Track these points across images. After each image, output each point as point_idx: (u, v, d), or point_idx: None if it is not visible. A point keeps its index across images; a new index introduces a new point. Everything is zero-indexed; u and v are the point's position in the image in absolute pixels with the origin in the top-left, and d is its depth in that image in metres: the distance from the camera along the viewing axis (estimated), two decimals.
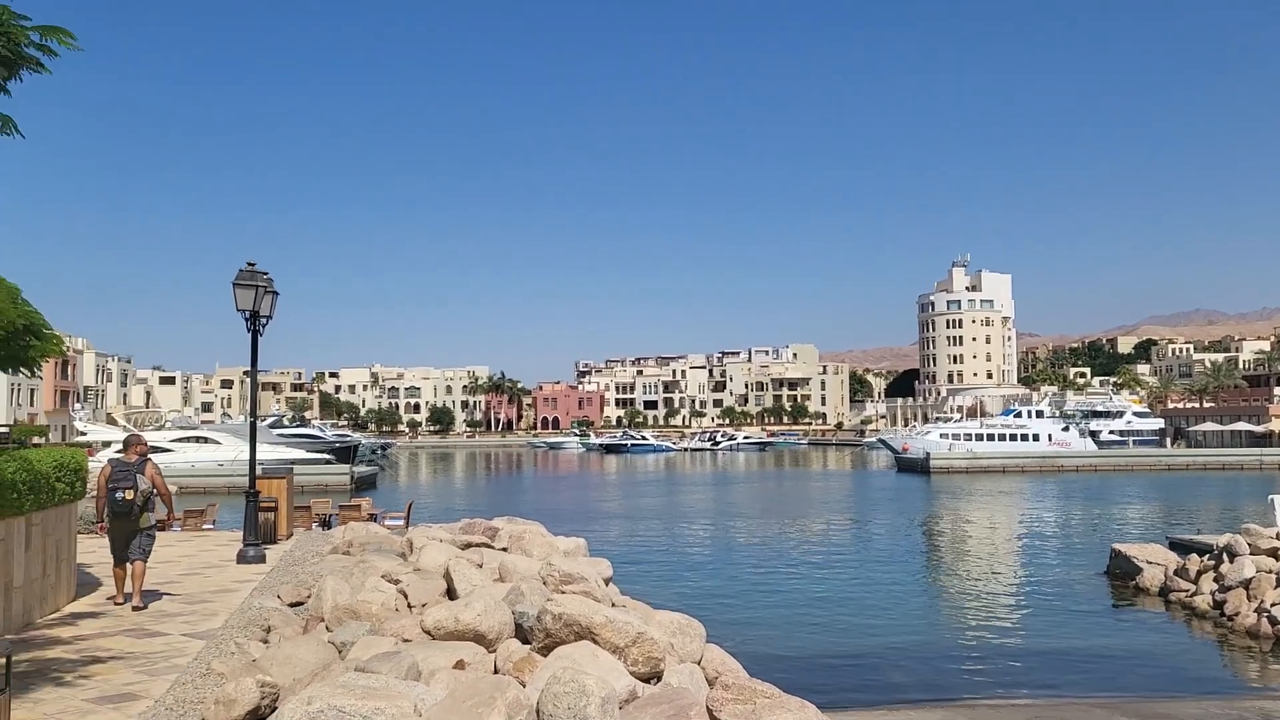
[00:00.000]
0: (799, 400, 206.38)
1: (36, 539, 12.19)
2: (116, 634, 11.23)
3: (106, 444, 66.01)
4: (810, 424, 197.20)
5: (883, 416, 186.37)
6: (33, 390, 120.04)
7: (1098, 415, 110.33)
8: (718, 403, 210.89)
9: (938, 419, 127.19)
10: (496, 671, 8.83)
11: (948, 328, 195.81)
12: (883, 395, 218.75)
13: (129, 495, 12.85)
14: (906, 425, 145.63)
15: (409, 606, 11.37)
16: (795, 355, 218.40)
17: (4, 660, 5.95)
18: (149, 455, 13.63)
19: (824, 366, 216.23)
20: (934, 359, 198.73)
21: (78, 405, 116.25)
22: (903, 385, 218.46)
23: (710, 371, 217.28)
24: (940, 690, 15.40)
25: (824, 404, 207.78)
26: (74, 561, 14.01)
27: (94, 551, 17.81)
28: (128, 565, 13.04)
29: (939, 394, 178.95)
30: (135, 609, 12.68)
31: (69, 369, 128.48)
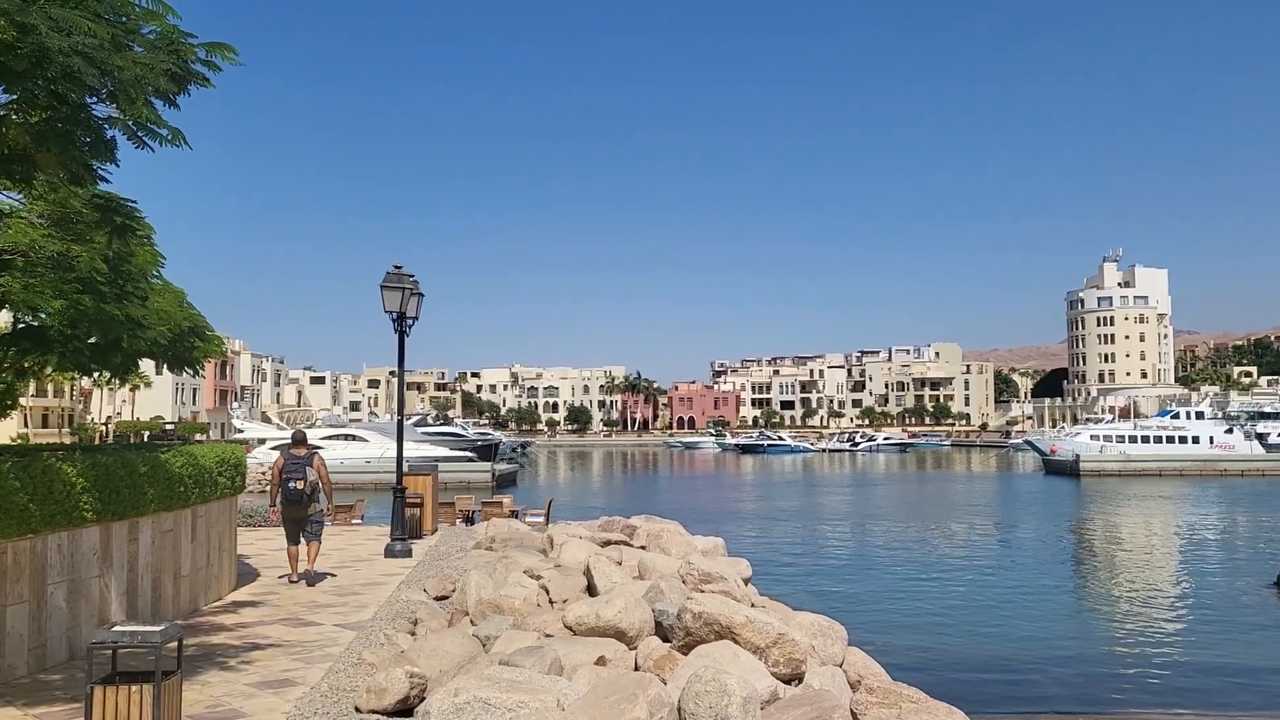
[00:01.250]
0: (941, 400, 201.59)
1: (201, 530, 12.82)
2: (274, 622, 11.70)
3: (261, 441, 68.93)
4: (953, 425, 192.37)
5: (1029, 417, 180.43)
6: (195, 390, 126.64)
7: (1265, 417, 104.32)
8: (856, 403, 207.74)
9: (1088, 420, 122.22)
10: (637, 668, 8.84)
11: (1099, 325, 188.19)
12: (1029, 395, 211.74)
13: (300, 485, 14.41)
14: (1054, 426, 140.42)
15: (550, 602, 11.51)
16: (937, 354, 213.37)
17: (176, 644, 6.24)
18: (316, 450, 15.15)
19: (967, 366, 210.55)
20: (1084, 358, 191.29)
21: (235, 404, 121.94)
22: (1050, 385, 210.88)
23: (849, 371, 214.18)
24: (1094, 703, 14.77)
25: (967, 404, 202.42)
26: (234, 552, 14.68)
27: (251, 544, 18.64)
28: (301, 545, 14.70)
29: (1089, 394, 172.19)
30: (309, 583, 14.41)
31: (227, 369, 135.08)
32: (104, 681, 5.94)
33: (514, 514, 24.50)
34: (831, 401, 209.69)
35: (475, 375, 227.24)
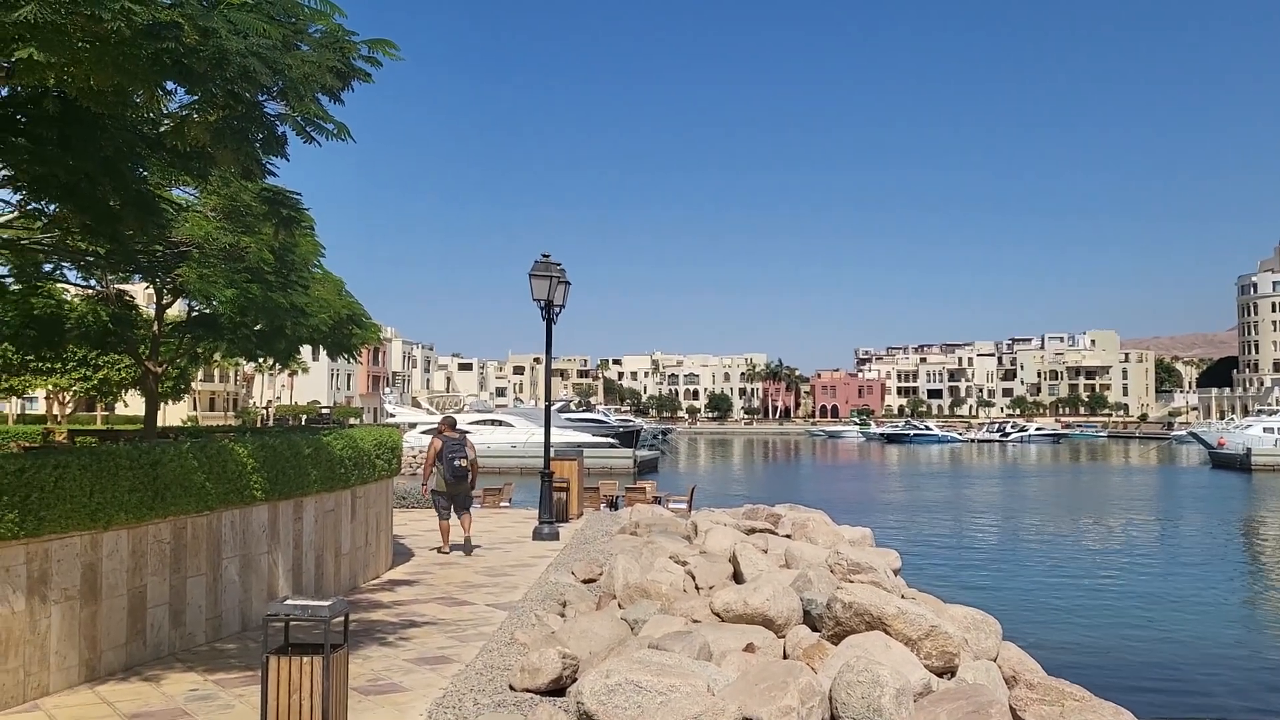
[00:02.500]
0: (1097, 390, 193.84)
1: (360, 510, 13.33)
2: (429, 601, 12.09)
3: (412, 425, 71.07)
4: (1110, 415, 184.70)
5: (1194, 408, 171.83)
6: (349, 375, 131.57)
7: None
8: (1007, 392, 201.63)
9: (1260, 411, 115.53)
10: (785, 657, 8.80)
11: (1273, 311, 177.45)
12: (1194, 385, 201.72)
13: (463, 463, 15.80)
14: (1223, 418, 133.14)
15: (696, 588, 11.56)
16: (1094, 342, 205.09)
17: (342, 619, 6.51)
18: (466, 433, 16.73)
19: (1126, 354, 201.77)
20: (1256, 345, 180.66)
21: (387, 389, 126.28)
22: (1218, 374, 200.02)
23: (999, 359, 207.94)
24: (1273, 713, 13.98)
25: (1125, 394, 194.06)
26: (391, 532, 15.22)
27: (405, 524, 19.29)
28: (454, 519, 16.13)
29: (1261, 384, 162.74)
30: (466, 552, 15.92)
31: (380, 356, 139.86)
32: (278, 652, 6.24)
33: (657, 500, 24.66)
34: (981, 390, 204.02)
35: (616, 362, 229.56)
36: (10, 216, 13.67)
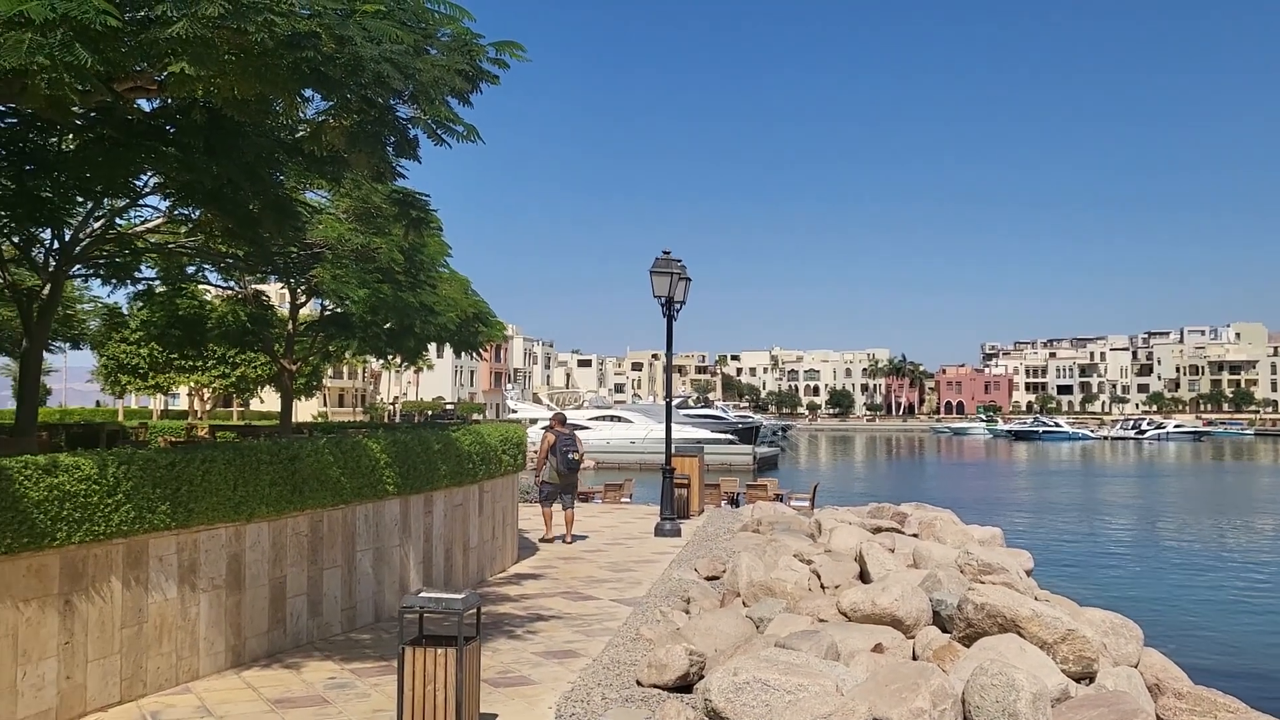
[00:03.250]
0: (1242, 385, 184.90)
1: (487, 505, 13.59)
2: (555, 595, 12.25)
3: (533, 421, 72.10)
4: (1256, 412, 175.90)
5: None
6: (472, 372, 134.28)
7: None
8: (1143, 388, 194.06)
9: None
10: (915, 658, 8.64)
11: None
12: None
13: (576, 456, 16.71)
14: None
15: (821, 587, 11.43)
16: (1238, 335, 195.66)
17: (474, 612, 6.64)
18: (575, 430, 17.41)
19: (1274, 347, 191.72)
20: None
21: (509, 385, 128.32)
22: None
23: (1134, 353, 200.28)
24: None
25: (1274, 390, 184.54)
26: (516, 526, 15.48)
27: (529, 519, 19.57)
28: (559, 510, 16.94)
29: None
30: (566, 543, 16.64)
31: (501, 352, 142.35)
32: (413, 643, 6.40)
33: (779, 498, 24.50)
34: (1114, 386, 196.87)
35: (735, 358, 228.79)
36: (158, 222, 14.35)
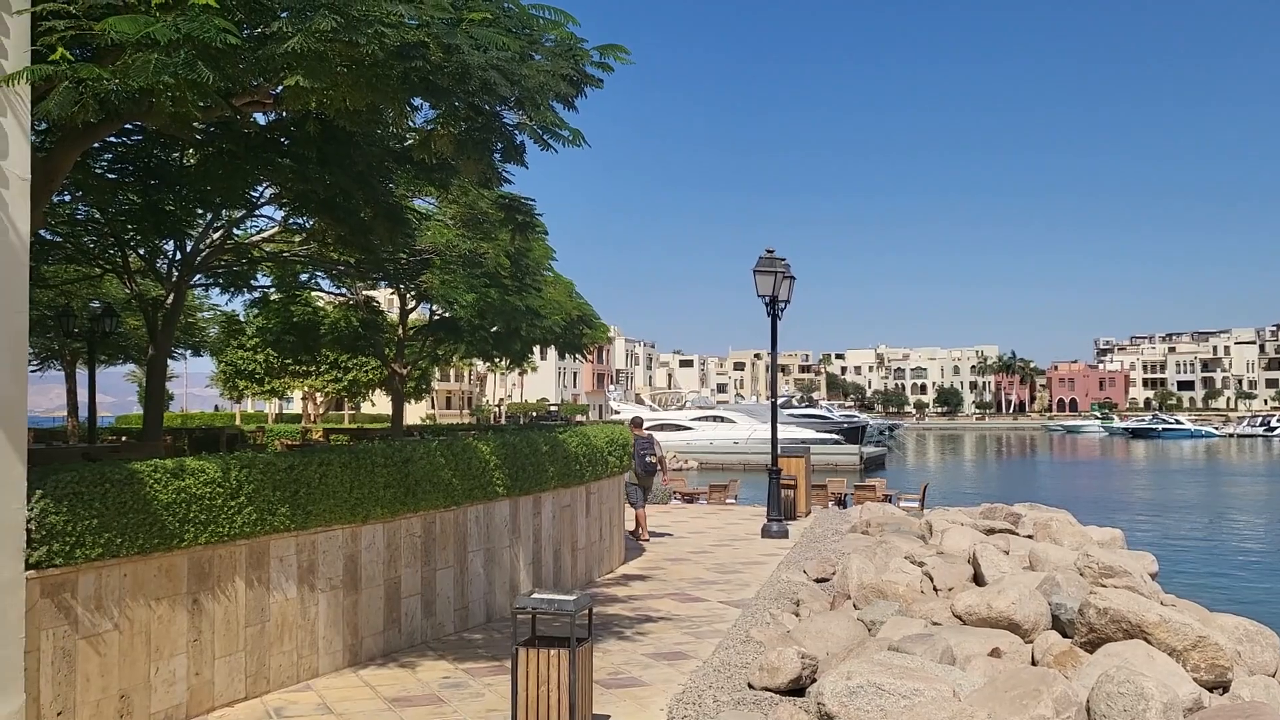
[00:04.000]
0: None
1: (594, 506, 13.66)
2: (663, 596, 12.24)
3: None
4: None
5: None
6: (575, 373, 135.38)
7: None
8: (1271, 382, 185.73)
9: None
10: (1034, 663, 8.40)
11: None
12: None
13: (653, 460, 17.01)
14: None
15: (934, 589, 11.20)
16: None
17: (586, 613, 6.67)
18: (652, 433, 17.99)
19: None
20: None
21: (611, 386, 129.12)
22: None
23: (1262, 346, 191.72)
24: None
25: None
26: (623, 528, 15.53)
27: (632, 520, 19.63)
28: (639, 510, 17.16)
29: None
30: (643, 541, 16.89)
31: (604, 354, 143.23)
32: (526, 644, 6.46)
33: (887, 498, 24.11)
34: (1240, 381, 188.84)
35: (839, 357, 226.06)
36: (273, 231, 14.85)
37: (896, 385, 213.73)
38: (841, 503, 25.31)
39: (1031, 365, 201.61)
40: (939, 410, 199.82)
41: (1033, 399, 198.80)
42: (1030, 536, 14.89)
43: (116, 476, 6.57)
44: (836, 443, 67.06)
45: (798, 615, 10.80)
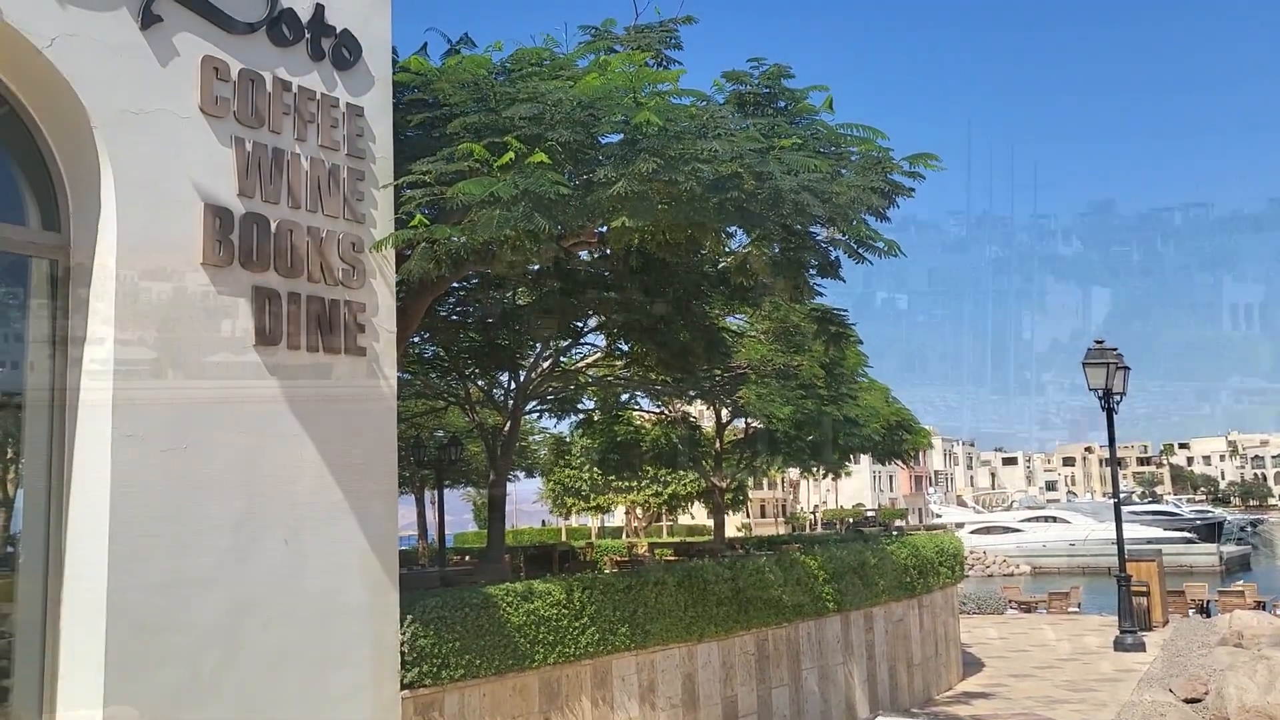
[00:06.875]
0: None
1: (927, 619, 13.12)
2: (1010, 717, 11.47)
3: (959, 525, 69.18)
4: None
5: None
6: (891, 476, 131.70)
7: None
8: None
9: None
10: None
11: None
12: None
13: None
14: None
15: None
16: None
17: None
18: None
19: None
20: None
21: (931, 489, 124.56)
22: None
23: None
24: None
25: None
26: (959, 642, 14.77)
27: (968, 631, 18.62)
28: None
29: None
30: None
31: (920, 455, 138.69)
32: None
33: (1260, 605, 21.53)
34: None
35: (1184, 446, 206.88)
36: (596, 357, 15.68)
37: (1256, 475, 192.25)
38: (1204, 610, 22.86)
39: None
40: None
41: None
42: None
43: (474, 600, 7.02)
44: (1190, 541, 61.03)
45: None
